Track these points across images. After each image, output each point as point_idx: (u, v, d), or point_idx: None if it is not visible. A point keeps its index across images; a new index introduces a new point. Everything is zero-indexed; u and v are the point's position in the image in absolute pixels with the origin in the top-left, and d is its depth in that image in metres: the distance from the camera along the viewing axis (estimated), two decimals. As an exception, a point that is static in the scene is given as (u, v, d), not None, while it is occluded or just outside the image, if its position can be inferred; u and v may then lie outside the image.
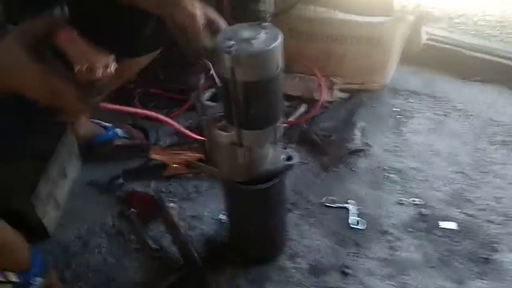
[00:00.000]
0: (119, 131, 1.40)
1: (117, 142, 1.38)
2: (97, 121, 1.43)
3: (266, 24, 0.76)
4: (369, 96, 1.63)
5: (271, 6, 1.57)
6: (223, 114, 0.84)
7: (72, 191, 1.31)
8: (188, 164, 0.93)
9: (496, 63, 1.71)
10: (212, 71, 0.82)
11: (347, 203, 1.24)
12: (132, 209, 1.23)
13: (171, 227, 1.17)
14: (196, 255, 1.10)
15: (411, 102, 1.62)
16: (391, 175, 1.33)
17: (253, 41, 0.72)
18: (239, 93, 0.74)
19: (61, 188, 1.25)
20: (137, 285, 1.09)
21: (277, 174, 0.92)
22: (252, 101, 0.76)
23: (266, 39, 0.73)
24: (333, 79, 1.59)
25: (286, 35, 1.58)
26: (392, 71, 1.65)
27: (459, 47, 1.77)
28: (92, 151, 1.37)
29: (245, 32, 0.74)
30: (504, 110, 1.57)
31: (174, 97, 1.62)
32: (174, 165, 0.94)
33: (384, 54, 1.55)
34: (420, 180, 1.31)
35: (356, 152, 1.38)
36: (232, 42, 0.71)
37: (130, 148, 1.21)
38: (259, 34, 0.73)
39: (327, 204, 1.24)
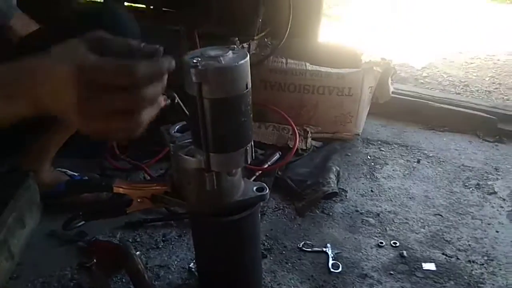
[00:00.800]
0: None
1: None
2: (63, 169, 1.37)
3: (234, 46, 0.76)
4: (342, 145, 1.63)
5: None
6: (191, 141, 0.82)
7: (30, 242, 1.21)
8: (153, 198, 0.88)
9: (464, 114, 1.77)
10: (178, 100, 0.80)
11: (325, 247, 1.18)
12: (94, 260, 1.14)
13: (136, 276, 1.07)
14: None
15: (383, 151, 1.63)
16: (368, 219, 1.29)
17: (220, 58, 0.71)
18: (206, 112, 0.72)
19: (17, 238, 1.15)
20: None
21: (249, 206, 0.87)
22: (219, 121, 0.74)
23: (234, 57, 0.73)
24: (307, 128, 1.60)
25: (259, 86, 1.61)
26: (363, 121, 1.67)
27: (426, 100, 1.84)
28: (55, 200, 1.30)
29: (213, 51, 0.74)
30: (476, 157, 1.59)
31: (147, 148, 1.58)
32: (139, 200, 0.89)
33: (354, 103, 1.59)
34: (398, 223, 1.27)
35: (331, 196, 1.34)
36: (199, 58, 0.70)
37: (87, 186, 1.12)
38: (226, 53, 0.73)
39: (304, 249, 1.18)
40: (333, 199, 1.36)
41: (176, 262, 1.15)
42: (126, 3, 2.09)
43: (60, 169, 1.36)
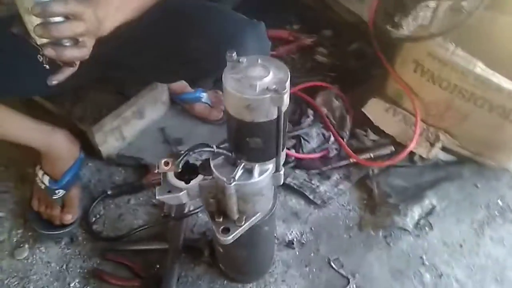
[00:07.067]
0: (204, 95, 1.46)
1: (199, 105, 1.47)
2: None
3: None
4: (475, 172, 1.31)
5: (408, 28, 1.34)
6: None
7: (145, 131, 1.44)
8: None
9: None
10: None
11: (353, 276, 1.10)
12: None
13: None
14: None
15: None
16: (425, 274, 1.11)
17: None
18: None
19: (132, 126, 1.39)
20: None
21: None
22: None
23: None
24: (440, 134, 1.33)
25: (409, 66, 1.36)
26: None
27: None
28: (176, 104, 1.50)
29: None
30: None
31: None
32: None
33: (517, 133, 1.21)
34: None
35: (401, 229, 1.18)
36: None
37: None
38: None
39: (332, 265, 1.12)
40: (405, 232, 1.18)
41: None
42: None
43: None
